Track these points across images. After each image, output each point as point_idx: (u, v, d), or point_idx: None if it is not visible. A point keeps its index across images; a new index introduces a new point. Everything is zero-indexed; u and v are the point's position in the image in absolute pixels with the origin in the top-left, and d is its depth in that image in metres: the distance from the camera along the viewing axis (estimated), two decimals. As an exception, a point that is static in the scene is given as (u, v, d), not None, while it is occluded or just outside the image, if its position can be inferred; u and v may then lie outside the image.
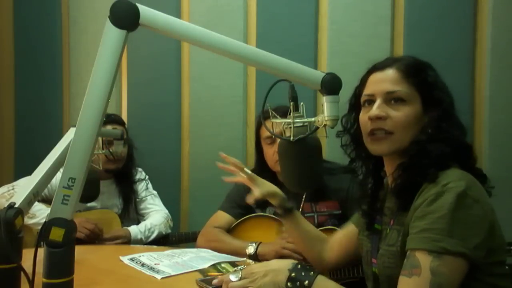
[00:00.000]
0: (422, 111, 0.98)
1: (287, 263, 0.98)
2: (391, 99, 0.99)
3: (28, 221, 1.77)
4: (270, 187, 1.37)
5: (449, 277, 0.83)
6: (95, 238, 1.80)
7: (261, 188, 1.35)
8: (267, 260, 1.61)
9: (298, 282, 0.92)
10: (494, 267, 0.90)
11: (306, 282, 0.92)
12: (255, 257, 1.57)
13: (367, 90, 1.03)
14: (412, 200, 0.93)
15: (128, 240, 1.89)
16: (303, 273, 0.94)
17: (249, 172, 1.35)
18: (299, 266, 0.96)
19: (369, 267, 1.08)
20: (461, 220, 0.84)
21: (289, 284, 0.93)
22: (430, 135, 0.96)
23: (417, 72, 1.00)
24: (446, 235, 0.83)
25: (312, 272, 0.94)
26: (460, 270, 0.84)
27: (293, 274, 0.94)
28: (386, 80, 1.00)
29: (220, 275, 1.25)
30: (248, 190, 1.82)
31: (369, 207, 1.11)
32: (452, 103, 1.00)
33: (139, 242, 1.94)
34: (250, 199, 1.38)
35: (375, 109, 0.99)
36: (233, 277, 1.02)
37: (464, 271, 0.85)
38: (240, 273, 1.02)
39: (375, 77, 1.03)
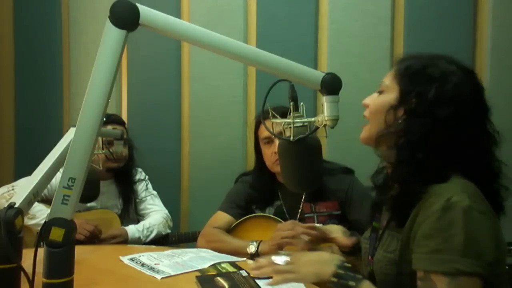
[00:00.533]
0: (396, 102, 0.96)
1: (335, 258, 0.97)
2: (378, 89, 1.03)
3: (28, 222, 1.77)
4: (339, 228, 1.29)
5: None
6: (94, 239, 1.80)
7: (336, 233, 1.27)
8: None
9: (343, 280, 0.92)
10: (500, 277, 0.88)
11: (353, 283, 0.91)
12: (257, 256, 1.57)
13: None
14: (407, 217, 0.92)
15: (125, 239, 1.89)
16: (350, 273, 0.93)
17: (319, 225, 1.30)
18: (345, 265, 0.96)
19: (367, 267, 1.08)
20: (472, 236, 0.83)
21: (333, 278, 0.92)
22: (399, 133, 0.94)
23: (406, 67, 0.98)
24: (460, 255, 0.82)
25: (358, 275, 0.93)
26: None
27: (340, 271, 0.93)
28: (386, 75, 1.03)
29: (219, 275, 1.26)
30: (247, 190, 1.83)
31: (373, 202, 1.11)
32: (441, 99, 0.92)
33: (138, 241, 1.94)
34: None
35: (366, 98, 1.04)
36: (278, 260, 1.01)
37: None
38: (286, 258, 1.01)
39: None
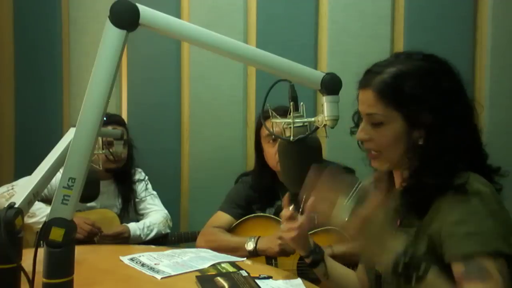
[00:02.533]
0: (406, 127, 0.95)
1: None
2: (371, 121, 0.98)
3: (28, 220, 1.77)
4: None
5: (509, 277, 0.84)
6: (93, 237, 1.80)
7: None
8: (267, 255, 1.61)
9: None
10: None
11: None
12: (255, 253, 1.57)
13: (359, 107, 1.03)
14: (427, 208, 0.92)
15: (128, 235, 1.89)
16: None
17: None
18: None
19: (372, 269, 1.07)
20: (498, 221, 0.86)
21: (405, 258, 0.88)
22: (421, 149, 0.94)
23: (393, 91, 0.95)
24: (494, 238, 0.84)
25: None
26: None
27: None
28: (365, 101, 0.99)
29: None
30: (248, 190, 1.83)
31: None
32: (441, 110, 0.93)
33: (138, 238, 1.94)
34: None
35: (359, 133, 1.01)
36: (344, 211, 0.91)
37: None
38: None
39: (360, 95, 1.01)
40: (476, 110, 0.99)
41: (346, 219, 0.88)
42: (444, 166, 0.92)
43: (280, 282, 1.21)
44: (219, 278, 1.19)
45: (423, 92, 0.94)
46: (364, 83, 0.99)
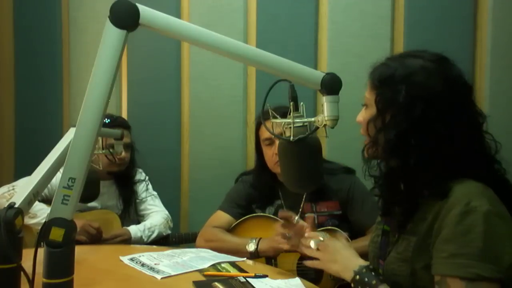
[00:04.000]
0: (376, 114, 0.97)
1: (360, 260, 1.01)
2: (364, 105, 1.04)
3: (29, 221, 1.77)
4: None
5: None
6: (97, 241, 1.80)
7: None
8: (268, 257, 1.61)
9: (366, 278, 0.95)
10: None
11: (374, 281, 0.95)
12: (257, 254, 1.57)
13: None
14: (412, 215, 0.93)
15: (128, 238, 1.89)
16: (373, 273, 0.97)
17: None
18: (371, 266, 0.99)
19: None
20: (491, 241, 0.82)
21: (357, 277, 0.96)
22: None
23: (379, 75, 0.99)
24: (478, 260, 0.81)
25: (381, 277, 0.97)
26: None
27: (363, 270, 0.97)
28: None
29: (219, 275, 1.25)
30: (248, 189, 1.83)
31: (383, 205, 1.10)
32: (411, 100, 0.91)
33: (140, 240, 1.94)
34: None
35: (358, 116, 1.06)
36: (312, 243, 1.06)
37: None
38: (318, 240, 1.06)
39: None
40: (477, 119, 0.96)
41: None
42: (415, 167, 0.91)
43: (279, 281, 1.21)
44: (216, 283, 1.18)
45: (397, 81, 0.94)
46: (370, 71, 1.04)
